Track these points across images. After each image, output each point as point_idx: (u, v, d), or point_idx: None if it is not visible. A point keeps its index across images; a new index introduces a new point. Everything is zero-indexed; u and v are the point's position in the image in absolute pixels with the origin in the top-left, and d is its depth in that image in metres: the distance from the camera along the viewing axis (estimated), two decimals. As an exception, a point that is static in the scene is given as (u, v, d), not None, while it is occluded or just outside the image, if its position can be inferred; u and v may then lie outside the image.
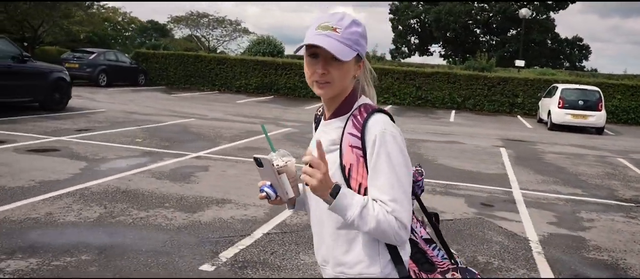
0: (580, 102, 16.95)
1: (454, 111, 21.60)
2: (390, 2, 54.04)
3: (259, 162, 1.57)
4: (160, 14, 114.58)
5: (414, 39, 55.23)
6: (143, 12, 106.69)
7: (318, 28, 1.57)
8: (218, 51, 37.92)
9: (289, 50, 31.08)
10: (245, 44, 37.43)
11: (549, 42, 51.00)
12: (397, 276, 1.59)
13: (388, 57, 47.58)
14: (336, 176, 1.56)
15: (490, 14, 50.66)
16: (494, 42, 52.19)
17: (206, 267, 4.13)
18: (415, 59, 53.93)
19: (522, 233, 5.65)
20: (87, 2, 29.12)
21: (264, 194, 1.63)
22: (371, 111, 1.58)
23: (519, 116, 21.45)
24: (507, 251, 5.01)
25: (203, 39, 40.82)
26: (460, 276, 1.70)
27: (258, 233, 5.00)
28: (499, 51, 47.89)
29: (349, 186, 1.56)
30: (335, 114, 1.66)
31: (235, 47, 40.62)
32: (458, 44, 52.25)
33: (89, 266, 3.99)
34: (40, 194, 5.81)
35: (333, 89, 1.60)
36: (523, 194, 7.52)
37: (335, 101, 1.65)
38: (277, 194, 1.62)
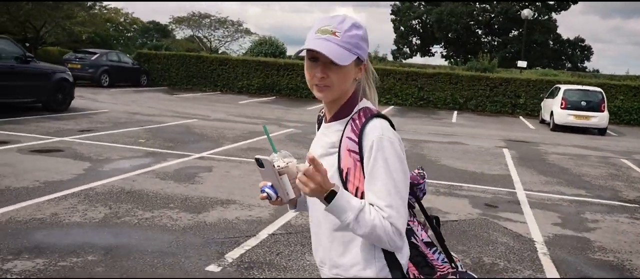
0: (583, 103, 16.93)
1: (456, 112, 21.59)
2: (392, 3, 54.08)
3: (260, 163, 1.58)
4: (160, 14, 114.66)
5: (415, 40, 55.25)
6: (144, 13, 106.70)
7: (318, 32, 1.57)
8: (219, 52, 37.93)
9: (290, 51, 31.14)
10: (247, 44, 37.47)
11: (551, 43, 50.97)
12: None
13: (390, 58, 47.61)
14: (334, 179, 1.57)
15: (492, 15, 50.66)
16: (495, 43, 52.19)
17: (212, 268, 4.13)
18: (417, 59, 53.97)
19: (527, 233, 5.64)
20: (89, 3, 29.13)
21: (265, 194, 1.64)
22: (370, 116, 1.57)
23: (521, 117, 21.43)
24: (513, 252, 5.00)
25: (205, 40, 40.85)
26: None
27: (263, 234, 5.00)
28: (501, 52, 47.88)
29: (346, 189, 1.56)
30: (335, 117, 1.66)
31: (237, 47, 40.64)
32: (460, 45, 52.24)
33: (95, 267, 3.99)
34: (44, 194, 5.81)
35: (333, 93, 1.60)
36: (527, 195, 7.51)
37: (335, 104, 1.65)
38: (278, 195, 1.62)
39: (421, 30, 54.05)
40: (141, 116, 13.37)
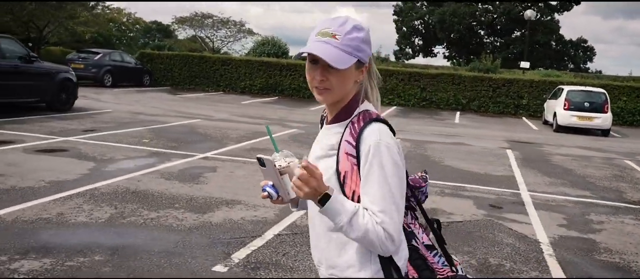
0: (586, 104, 16.91)
1: (458, 112, 21.58)
2: (394, 3, 54.08)
3: (261, 162, 1.58)
4: (162, 14, 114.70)
5: (417, 40, 55.25)
6: (145, 12, 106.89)
7: (318, 34, 1.57)
8: (221, 52, 37.95)
9: (292, 52, 31.12)
10: (249, 44, 37.47)
11: (553, 43, 50.95)
12: None
13: (392, 58, 47.63)
14: (332, 181, 1.57)
15: (495, 16, 50.66)
16: (498, 44, 52.17)
17: (219, 268, 4.13)
18: (419, 60, 53.98)
19: (533, 235, 5.64)
20: (92, 3, 29.17)
21: (265, 193, 1.64)
22: (368, 120, 1.57)
23: (524, 118, 21.42)
24: (519, 253, 5.00)
25: (207, 40, 40.87)
26: None
27: (269, 234, 5.00)
28: (503, 53, 47.84)
29: (343, 192, 1.57)
30: (335, 119, 1.66)
31: (240, 48, 40.58)
32: (462, 46, 52.23)
33: (102, 267, 3.99)
34: (50, 194, 5.82)
35: (332, 96, 1.61)
36: (531, 196, 7.50)
37: (336, 106, 1.65)
38: (279, 194, 1.62)
39: (423, 31, 54.05)
40: (144, 116, 13.38)
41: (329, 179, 1.57)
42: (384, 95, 22.12)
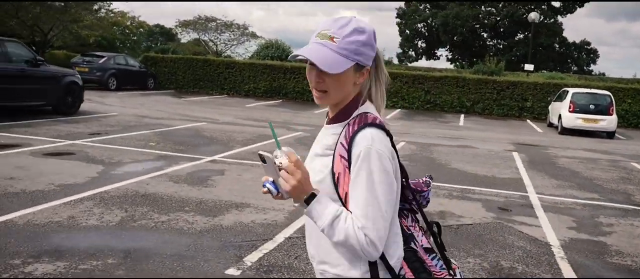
0: (591, 107, 16.89)
1: (463, 115, 21.57)
2: (398, 6, 54.12)
3: (263, 159, 1.60)
4: (164, 17, 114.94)
5: (421, 43, 55.25)
6: (148, 15, 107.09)
7: (317, 35, 1.57)
8: (223, 55, 37.98)
9: (296, 54, 31.07)
10: (253, 48, 37.51)
11: (557, 46, 50.90)
12: None
13: (395, 61, 47.64)
14: (327, 181, 1.58)
15: (498, 18, 50.64)
16: (501, 46, 52.15)
17: (232, 271, 4.13)
18: (422, 63, 53.99)
19: (543, 237, 5.62)
20: (96, 6, 29.23)
21: (266, 189, 1.65)
22: (363, 124, 1.56)
23: (528, 120, 21.40)
24: (530, 256, 4.99)
25: (211, 43, 40.92)
26: None
27: (280, 237, 5.00)
28: (507, 55, 47.81)
29: (337, 193, 1.57)
30: (334, 120, 1.66)
31: (243, 51, 40.53)
32: (465, 48, 52.22)
33: (115, 270, 4.00)
34: (60, 197, 5.83)
35: (330, 98, 1.61)
36: (540, 198, 7.49)
37: (336, 106, 1.65)
38: (279, 191, 1.63)
39: (427, 34, 54.05)
40: (150, 119, 13.41)
41: (325, 179, 1.58)
42: (388, 98, 21.81)
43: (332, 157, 1.59)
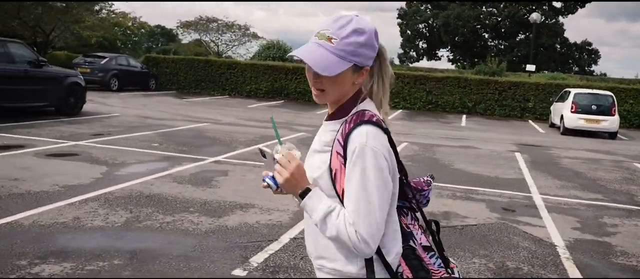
0: (594, 107, 16.88)
1: (464, 116, 21.57)
2: (399, 7, 54.14)
3: (263, 154, 1.63)
4: (166, 18, 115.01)
5: (422, 44, 55.24)
6: (146, 15, 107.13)
7: (317, 35, 1.57)
8: (224, 56, 37.99)
9: (298, 55, 31.09)
10: (254, 48, 37.52)
11: (558, 46, 50.88)
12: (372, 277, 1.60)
13: (396, 61, 47.64)
14: (325, 177, 1.59)
15: (499, 19, 50.63)
16: (502, 47, 52.12)
17: (238, 272, 4.13)
18: (423, 63, 53.96)
19: (548, 238, 5.62)
20: (97, 7, 29.26)
21: (265, 184, 1.67)
22: (359, 122, 1.56)
23: (530, 121, 21.39)
24: (536, 257, 4.99)
25: (212, 44, 40.93)
26: None
27: (285, 238, 5.00)
28: (508, 56, 47.78)
29: (335, 189, 1.58)
30: (333, 117, 1.66)
31: (244, 51, 40.54)
32: (466, 49, 52.20)
33: (122, 271, 4.00)
34: (65, 198, 5.84)
35: (327, 97, 1.62)
36: (543, 199, 7.48)
37: (335, 104, 1.65)
38: (278, 186, 1.64)
39: (428, 34, 54.03)
40: (152, 120, 13.41)
41: (322, 175, 1.60)
42: (389, 98, 21.95)
43: (330, 153, 1.60)
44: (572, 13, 50.14)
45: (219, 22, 39.03)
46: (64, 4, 26.02)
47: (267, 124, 14.06)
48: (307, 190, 1.56)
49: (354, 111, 1.61)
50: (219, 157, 8.90)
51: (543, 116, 21.65)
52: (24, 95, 11.89)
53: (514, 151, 12.27)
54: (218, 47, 40.62)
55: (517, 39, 51.13)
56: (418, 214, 1.80)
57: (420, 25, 53.76)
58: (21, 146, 8.68)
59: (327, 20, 1.58)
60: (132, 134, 10.77)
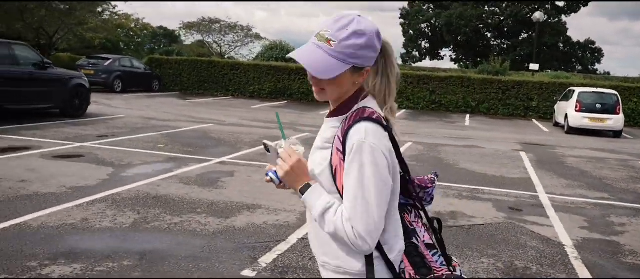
0: (598, 106, 16.84)
1: (468, 115, 21.54)
2: (401, 7, 54.13)
3: (267, 148, 1.65)
4: (167, 19, 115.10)
5: (424, 44, 55.21)
6: (147, 16, 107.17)
7: (316, 35, 1.57)
8: (226, 57, 38.01)
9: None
10: (257, 49, 37.52)
11: (561, 45, 50.79)
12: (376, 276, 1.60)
13: (399, 61, 47.57)
14: (326, 173, 1.60)
15: (502, 18, 50.57)
16: (505, 46, 52.09)
17: (247, 272, 4.14)
18: (426, 63, 53.94)
19: (556, 237, 5.61)
20: (99, 8, 29.30)
21: (268, 178, 1.69)
22: (359, 118, 1.56)
23: (534, 120, 21.35)
24: (544, 256, 4.98)
25: (214, 45, 40.95)
26: None
27: (293, 238, 5.00)
28: (511, 55, 47.75)
29: (336, 185, 1.58)
30: (334, 113, 1.67)
31: (247, 52, 40.58)
32: (469, 48, 52.17)
33: (132, 272, 4.01)
34: (72, 200, 5.85)
35: (327, 96, 1.63)
36: (550, 198, 7.47)
37: (336, 101, 1.66)
38: (281, 180, 1.65)
39: (430, 34, 54.01)
40: (157, 121, 13.43)
41: (324, 171, 1.60)
42: (393, 98, 22.04)
43: (330, 150, 1.61)
44: (575, 12, 50.06)
45: (222, 23, 39.04)
46: (67, 6, 26.08)
47: (270, 125, 14.07)
48: (308, 186, 1.58)
49: (355, 108, 1.62)
50: (224, 158, 8.91)
51: (547, 115, 21.61)
52: (29, 97, 11.92)
53: (519, 150, 12.25)
54: (220, 48, 40.64)
55: (520, 38, 51.08)
56: (422, 212, 1.80)
57: (422, 25, 53.75)
58: (27, 148, 8.71)
59: (328, 21, 1.57)
60: (137, 136, 10.79)
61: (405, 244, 1.66)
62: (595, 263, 4.92)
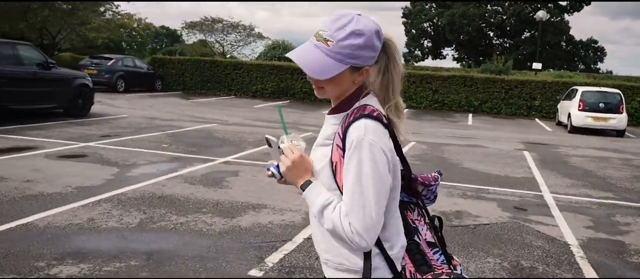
0: (601, 105, 16.82)
1: (471, 114, 21.53)
2: (403, 6, 54.12)
3: (269, 143, 1.67)
4: (169, 18, 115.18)
5: (427, 43, 55.18)
6: (149, 16, 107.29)
7: (315, 35, 1.57)
8: (228, 56, 38.02)
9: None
10: (259, 49, 37.53)
11: (564, 44, 50.73)
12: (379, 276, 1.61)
13: (401, 60, 47.46)
14: (326, 170, 1.60)
15: (504, 17, 50.51)
16: (507, 45, 52.02)
17: (254, 272, 4.15)
18: (428, 62, 53.92)
19: (561, 237, 5.61)
20: (101, 8, 29.32)
21: (270, 173, 1.70)
22: (359, 115, 1.57)
23: (537, 119, 21.33)
24: (550, 256, 4.98)
25: (217, 45, 40.96)
26: None
27: (299, 238, 5.01)
28: (513, 54, 47.72)
29: (336, 181, 1.59)
30: (335, 110, 1.67)
31: (250, 52, 40.53)
32: (471, 47, 52.12)
33: (139, 272, 4.02)
34: (78, 200, 5.86)
35: (327, 94, 1.64)
36: (554, 197, 7.46)
37: (337, 98, 1.66)
38: (283, 175, 1.66)
39: (433, 33, 53.98)
40: (160, 121, 13.45)
41: (324, 168, 1.61)
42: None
43: (331, 146, 1.61)
44: (578, 11, 49.99)
45: (224, 22, 39.06)
46: (70, 6, 26.11)
47: (274, 125, 14.08)
48: (308, 182, 1.59)
49: (356, 105, 1.62)
50: (229, 158, 8.92)
51: (550, 114, 21.59)
52: (33, 97, 11.94)
53: (522, 149, 12.24)
54: (223, 47, 40.65)
55: (523, 37, 51.02)
56: (424, 211, 1.81)
57: (425, 24, 53.72)
58: (32, 148, 8.73)
59: (327, 20, 1.57)
60: (141, 135, 10.81)
61: (407, 242, 1.67)
62: (601, 262, 4.92)
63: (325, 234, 1.64)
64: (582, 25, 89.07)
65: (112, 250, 4.42)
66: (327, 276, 1.69)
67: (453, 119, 19.38)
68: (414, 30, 53.96)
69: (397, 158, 1.63)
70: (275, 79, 24.37)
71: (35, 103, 12.10)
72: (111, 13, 31.24)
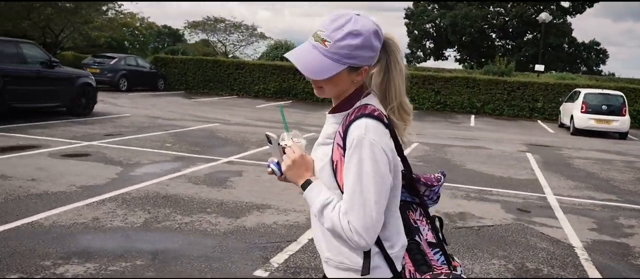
0: (604, 107, 16.81)
1: (473, 116, 21.52)
2: (406, 7, 54.11)
3: (269, 140, 1.68)
4: (171, 18, 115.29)
5: (429, 44, 55.17)
6: (151, 15, 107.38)
7: (313, 35, 1.57)
8: (231, 56, 38.04)
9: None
10: (262, 48, 37.55)
11: (566, 46, 50.70)
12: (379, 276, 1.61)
13: (403, 61, 47.50)
14: (326, 169, 1.61)
15: (507, 18, 50.49)
16: (510, 47, 52.00)
17: (260, 273, 4.15)
18: (430, 63, 53.91)
19: (565, 239, 5.61)
20: (104, 7, 29.36)
21: (270, 169, 1.70)
22: (360, 114, 1.57)
23: (539, 121, 21.32)
24: (554, 258, 4.98)
25: (219, 44, 40.99)
26: None
27: (304, 239, 5.01)
28: (516, 55, 47.68)
29: (336, 180, 1.59)
30: (336, 110, 1.68)
31: (252, 52, 40.56)
32: (474, 49, 52.10)
33: (145, 271, 4.02)
34: (83, 199, 5.87)
35: (326, 94, 1.64)
36: (558, 200, 7.46)
37: (338, 97, 1.67)
38: (283, 172, 1.67)
39: (435, 34, 53.97)
40: (163, 120, 13.46)
41: (324, 167, 1.61)
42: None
43: (331, 145, 1.61)
44: (580, 13, 49.95)
45: (227, 22, 39.09)
46: (73, 5, 26.14)
47: (276, 125, 14.09)
48: (309, 182, 1.59)
49: (357, 105, 1.62)
50: (232, 158, 8.93)
51: (552, 116, 21.58)
52: (37, 96, 11.96)
53: (525, 151, 12.24)
54: (225, 47, 40.68)
55: (525, 39, 51.00)
56: (428, 210, 1.81)
57: (427, 25, 53.70)
58: (35, 146, 8.74)
59: (325, 20, 1.57)
60: (144, 135, 10.82)
61: (408, 241, 1.67)
62: (606, 264, 4.92)
63: (326, 233, 1.65)
64: (584, 27, 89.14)
65: (118, 249, 4.43)
66: (328, 275, 1.69)
67: (455, 121, 19.37)
68: (416, 31, 53.96)
69: (398, 158, 1.64)
70: (278, 79, 24.38)
71: (38, 102, 12.12)
72: (114, 12, 31.27)
